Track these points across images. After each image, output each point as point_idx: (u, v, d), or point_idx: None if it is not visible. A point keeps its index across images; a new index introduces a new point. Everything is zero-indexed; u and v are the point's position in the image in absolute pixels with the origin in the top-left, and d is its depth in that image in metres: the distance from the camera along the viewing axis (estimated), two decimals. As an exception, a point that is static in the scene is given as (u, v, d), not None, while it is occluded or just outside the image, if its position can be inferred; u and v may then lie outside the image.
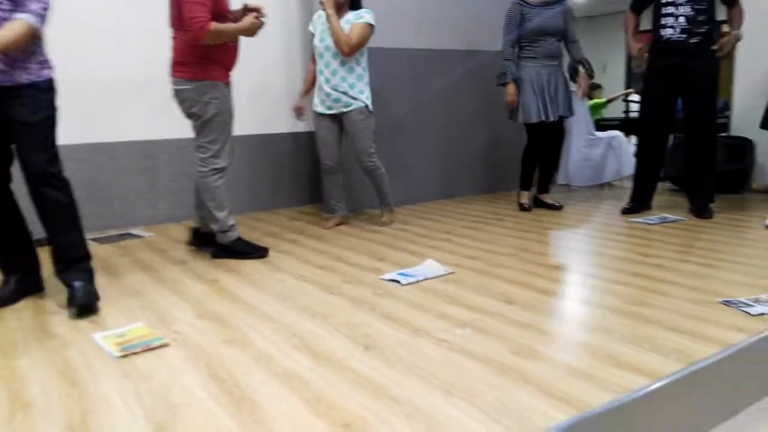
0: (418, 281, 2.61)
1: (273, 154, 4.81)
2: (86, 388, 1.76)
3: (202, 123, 3.11)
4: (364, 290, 2.55)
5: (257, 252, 3.27)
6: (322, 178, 4.05)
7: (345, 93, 3.74)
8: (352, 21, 3.68)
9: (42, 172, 2.40)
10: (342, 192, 4.07)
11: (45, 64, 2.45)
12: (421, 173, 4.97)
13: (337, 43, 3.64)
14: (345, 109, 3.77)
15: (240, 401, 1.61)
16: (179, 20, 2.97)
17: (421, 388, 1.63)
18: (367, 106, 3.78)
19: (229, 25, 3.00)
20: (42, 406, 1.65)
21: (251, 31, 3.07)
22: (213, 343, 2.04)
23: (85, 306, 2.42)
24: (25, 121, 2.36)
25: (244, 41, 3.18)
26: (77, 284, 2.49)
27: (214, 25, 2.89)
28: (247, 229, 4.00)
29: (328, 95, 3.77)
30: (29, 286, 2.67)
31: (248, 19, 3.04)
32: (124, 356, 1.97)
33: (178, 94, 3.12)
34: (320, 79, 3.81)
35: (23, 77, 2.36)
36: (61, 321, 2.35)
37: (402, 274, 2.69)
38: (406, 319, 2.18)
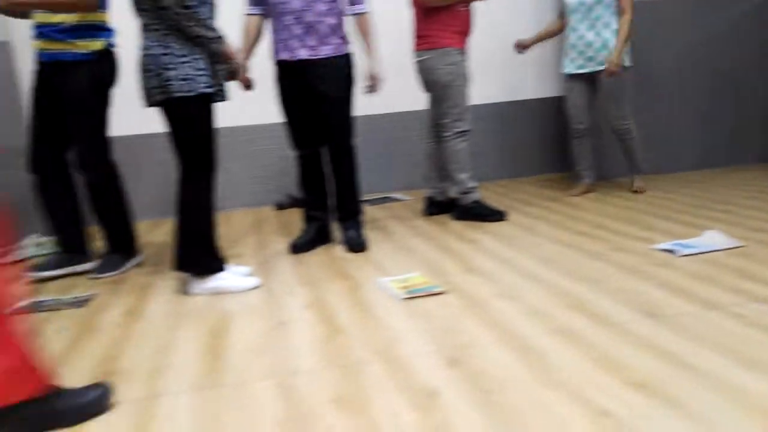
0: (701, 252, 2.46)
1: (518, 121, 4.81)
2: (384, 322, 2.02)
3: (441, 90, 3.30)
4: (634, 258, 2.48)
5: (496, 215, 3.36)
6: (572, 144, 3.97)
7: (599, 50, 3.61)
8: None
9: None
10: (590, 158, 3.94)
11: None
12: (678, 139, 4.56)
13: None
14: (599, 67, 3.64)
15: (524, 349, 1.72)
16: None
17: (719, 359, 1.57)
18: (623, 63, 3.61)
19: None
20: (351, 333, 1.95)
21: None
22: (485, 296, 2.18)
23: (357, 246, 2.93)
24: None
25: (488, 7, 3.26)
26: (351, 232, 3.01)
27: None
28: (496, 195, 4.10)
29: (581, 53, 3.67)
30: (323, 237, 3.10)
31: None
32: (410, 298, 2.20)
33: (419, 65, 3.37)
34: (572, 36, 3.72)
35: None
36: (351, 266, 2.70)
37: (679, 245, 2.55)
38: (690, 290, 2.08)
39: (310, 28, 2.79)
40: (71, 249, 2.84)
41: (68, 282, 2.76)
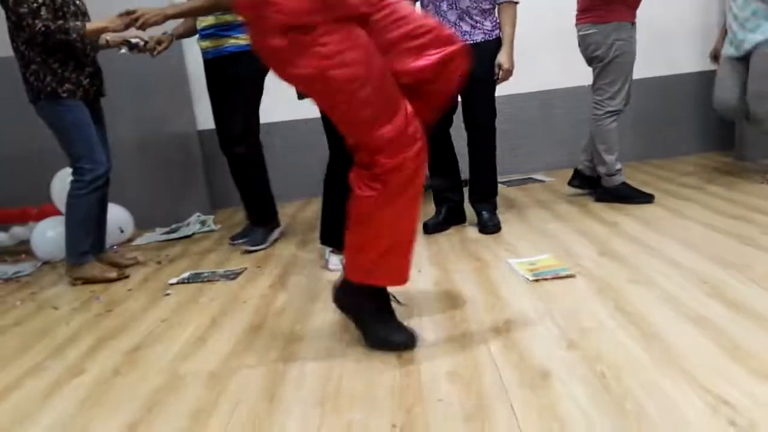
0: None
1: (678, 96, 4.49)
2: (507, 302, 2.05)
3: (603, 65, 3.14)
4: (791, 245, 2.27)
5: (642, 197, 3.19)
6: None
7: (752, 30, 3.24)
8: None
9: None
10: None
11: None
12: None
13: None
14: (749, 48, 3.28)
15: (649, 336, 1.66)
16: None
17: None
18: None
19: None
20: (474, 311, 2.00)
21: None
22: (617, 280, 2.12)
23: (490, 228, 2.97)
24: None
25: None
26: (485, 213, 3.04)
27: None
28: (646, 176, 3.89)
29: (735, 34, 3.33)
30: (456, 217, 3.16)
31: None
32: (536, 281, 2.20)
33: (584, 40, 3.20)
34: (729, 16, 3.38)
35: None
36: (481, 247, 2.74)
37: None
38: None
39: (463, 14, 2.90)
40: (263, 221, 3.20)
41: (223, 256, 3.09)
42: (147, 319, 2.30)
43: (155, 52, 3.00)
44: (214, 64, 3.09)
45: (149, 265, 3.11)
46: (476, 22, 2.92)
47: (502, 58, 2.96)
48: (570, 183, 3.57)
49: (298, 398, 1.55)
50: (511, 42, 2.98)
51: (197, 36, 3.14)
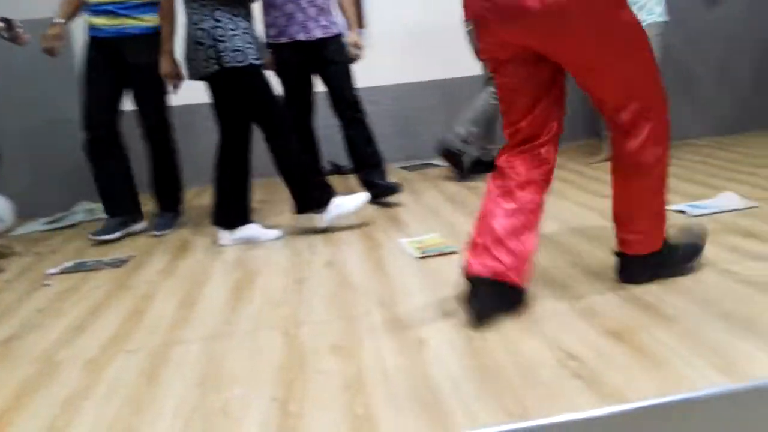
0: (712, 213, 2.44)
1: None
2: (393, 278, 2.13)
3: None
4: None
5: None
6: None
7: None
8: None
9: (353, 100, 3.26)
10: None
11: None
12: (720, 99, 4.41)
13: None
14: None
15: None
16: None
17: (696, 311, 1.60)
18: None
19: None
20: (361, 288, 2.07)
21: None
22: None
23: (390, 189, 3.23)
24: (336, 61, 3.22)
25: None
26: (378, 180, 3.28)
27: None
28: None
29: None
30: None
31: None
32: (423, 258, 2.30)
33: (471, 34, 3.39)
34: None
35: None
36: (376, 228, 2.83)
37: (692, 206, 2.54)
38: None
39: (321, 9, 3.15)
40: (124, 212, 3.09)
41: (111, 245, 3.00)
42: (22, 309, 2.20)
43: (24, 43, 2.85)
44: (109, 44, 2.93)
45: (27, 255, 2.96)
46: (330, 16, 3.20)
47: (350, 39, 3.25)
48: (471, 171, 3.70)
49: (178, 378, 1.55)
50: (356, 23, 3.29)
51: (85, 12, 2.96)
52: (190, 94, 4.11)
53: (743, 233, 2.20)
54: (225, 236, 2.74)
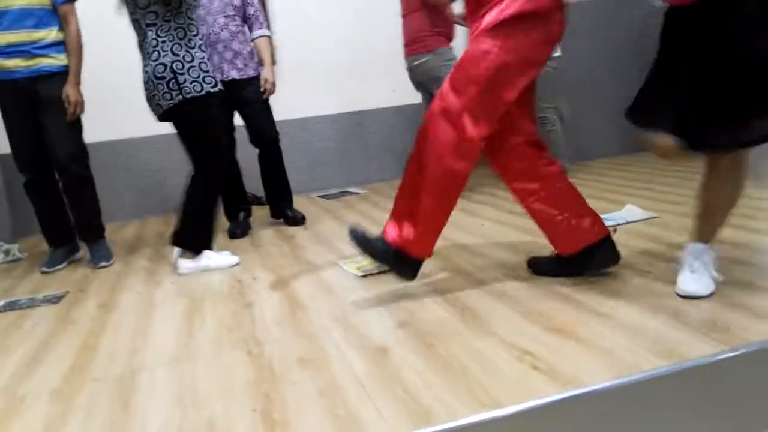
0: (618, 224, 2.75)
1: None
2: (341, 296, 2.24)
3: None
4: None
5: None
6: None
7: None
8: None
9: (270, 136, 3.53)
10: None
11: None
12: (598, 127, 4.85)
13: None
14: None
15: (463, 309, 1.96)
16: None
17: (626, 306, 1.84)
18: None
19: None
20: (313, 307, 2.16)
21: None
22: (431, 269, 2.42)
23: (299, 219, 3.59)
24: (253, 100, 3.44)
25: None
26: (289, 211, 3.63)
27: None
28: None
29: None
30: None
31: None
32: (364, 276, 2.43)
33: (419, 68, 3.69)
34: None
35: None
36: (310, 252, 2.92)
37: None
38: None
39: (237, 53, 3.38)
40: (66, 242, 3.17)
41: (39, 283, 2.90)
42: (-41, 351, 2.10)
43: None
44: (24, 84, 2.91)
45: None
46: (246, 60, 3.42)
47: (265, 74, 3.45)
48: None
49: (153, 401, 1.58)
50: (269, 62, 3.50)
51: None
52: (105, 131, 4.14)
53: (649, 239, 2.51)
54: (185, 264, 2.75)
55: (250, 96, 3.42)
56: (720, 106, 1.63)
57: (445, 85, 1.99)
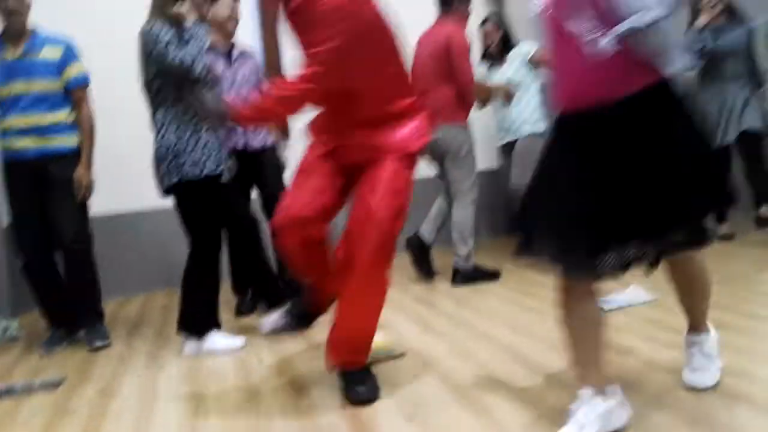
0: (621, 307, 2.75)
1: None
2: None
3: (460, 158, 3.68)
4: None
5: (490, 276, 3.70)
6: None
7: None
8: None
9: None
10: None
11: None
12: None
13: None
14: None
15: (475, 406, 1.93)
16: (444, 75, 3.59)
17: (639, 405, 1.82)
18: None
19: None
20: (320, 396, 2.13)
21: None
22: (441, 355, 2.40)
23: None
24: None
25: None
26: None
27: None
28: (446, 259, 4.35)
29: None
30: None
31: None
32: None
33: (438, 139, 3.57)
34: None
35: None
36: (319, 332, 2.86)
37: (604, 301, 2.82)
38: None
39: None
40: (67, 323, 3.11)
41: (37, 365, 2.85)
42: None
43: None
44: (33, 164, 2.97)
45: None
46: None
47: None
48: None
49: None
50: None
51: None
52: (111, 203, 4.13)
53: (650, 321, 2.50)
54: (191, 346, 2.75)
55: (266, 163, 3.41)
56: (655, 212, 1.50)
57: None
